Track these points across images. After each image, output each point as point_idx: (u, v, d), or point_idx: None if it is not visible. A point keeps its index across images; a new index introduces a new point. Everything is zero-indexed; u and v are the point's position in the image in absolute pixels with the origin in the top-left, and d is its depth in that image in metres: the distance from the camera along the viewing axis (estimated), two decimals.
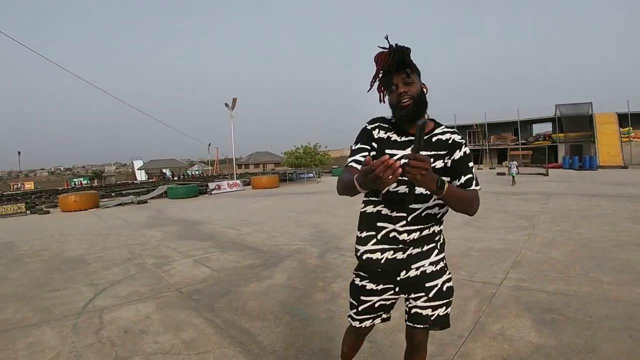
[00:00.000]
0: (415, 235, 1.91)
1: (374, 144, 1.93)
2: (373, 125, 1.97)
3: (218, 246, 8.39)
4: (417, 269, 1.94)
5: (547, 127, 52.10)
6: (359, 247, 2.02)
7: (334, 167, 52.90)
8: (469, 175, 1.89)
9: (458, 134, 1.95)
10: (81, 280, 6.39)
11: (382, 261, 1.93)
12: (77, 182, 74.04)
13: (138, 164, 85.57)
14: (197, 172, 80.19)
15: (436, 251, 1.99)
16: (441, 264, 2.01)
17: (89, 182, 75.61)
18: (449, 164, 1.89)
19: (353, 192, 1.70)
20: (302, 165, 46.60)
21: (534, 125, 54.02)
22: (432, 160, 1.81)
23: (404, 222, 1.89)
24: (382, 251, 1.93)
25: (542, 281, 4.92)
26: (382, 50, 1.84)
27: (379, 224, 1.93)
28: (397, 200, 1.87)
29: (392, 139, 1.92)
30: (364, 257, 1.97)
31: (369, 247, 1.96)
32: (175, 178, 67.34)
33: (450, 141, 1.91)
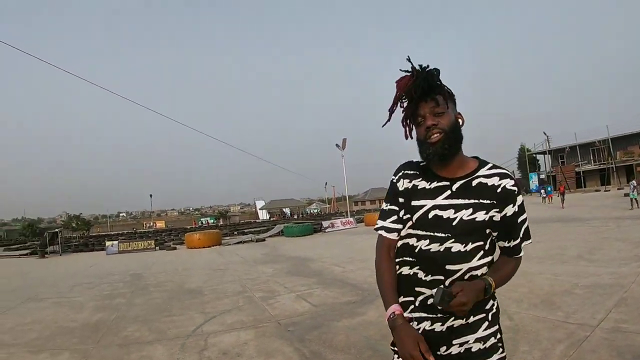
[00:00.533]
0: None
1: (400, 199, 1.65)
2: (397, 177, 1.68)
3: (321, 282, 8.82)
4: (461, 345, 1.57)
5: None
6: None
7: None
8: (518, 240, 1.61)
9: (510, 178, 1.59)
10: (195, 309, 7.18)
11: (419, 332, 1.57)
12: (204, 222, 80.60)
13: (260, 204, 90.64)
14: (315, 211, 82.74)
15: (486, 324, 1.58)
16: (492, 340, 1.59)
17: (215, 221, 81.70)
18: (495, 218, 1.54)
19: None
20: None
21: None
22: (471, 210, 1.52)
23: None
24: (420, 320, 1.59)
25: None
26: (404, 74, 1.57)
27: (416, 289, 1.60)
28: (431, 260, 1.55)
29: (419, 187, 1.61)
30: None
31: (406, 314, 1.61)
32: (295, 216, 70.04)
33: (500, 189, 1.55)
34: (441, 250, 1.52)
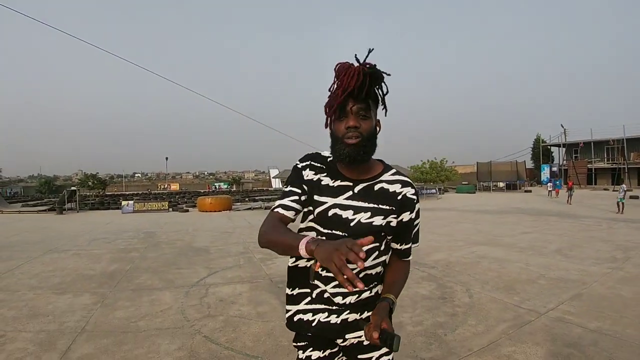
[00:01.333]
0: (351, 299, 1.60)
1: (304, 186, 1.61)
2: (304, 164, 1.65)
3: None
4: (354, 338, 1.65)
5: None
6: (290, 307, 1.70)
7: (464, 183, 52.39)
8: (410, 245, 1.69)
9: (412, 186, 1.63)
10: (201, 264, 8.10)
11: (314, 324, 1.63)
12: (217, 186, 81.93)
13: (274, 172, 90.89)
14: None
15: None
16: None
17: (228, 186, 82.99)
18: (392, 223, 1.58)
19: (289, 254, 1.43)
20: (427, 181, 46.65)
21: None
22: (369, 214, 1.54)
23: (336, 282, 1.57)
24: (315, 312, 1.63)
25: (588, 317, 4.78)
26: (352, 63, 1.47)
27: (312, 282, 1.63)
28: None
29: (322, 182, 1.61)
30: (296, 318, 1.66)
31: (302, 306, 1.65)
32: None
33: (400, 196, 1.58)
34: None
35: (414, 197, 1.61)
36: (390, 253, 1.70)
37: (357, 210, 1.53)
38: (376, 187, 1.58)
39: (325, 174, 1.61)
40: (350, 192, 1.56)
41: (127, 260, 8.71)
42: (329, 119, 1.54)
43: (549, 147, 64.38)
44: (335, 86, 1.47)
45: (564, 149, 58.89)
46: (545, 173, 54.82)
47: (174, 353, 3.90)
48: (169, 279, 6.91)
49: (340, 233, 1.52)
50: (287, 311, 1.70)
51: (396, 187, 1.59)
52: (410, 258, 1.72)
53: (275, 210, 1.56)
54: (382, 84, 1.51)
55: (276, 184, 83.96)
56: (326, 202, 1.56)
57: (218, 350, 3.96)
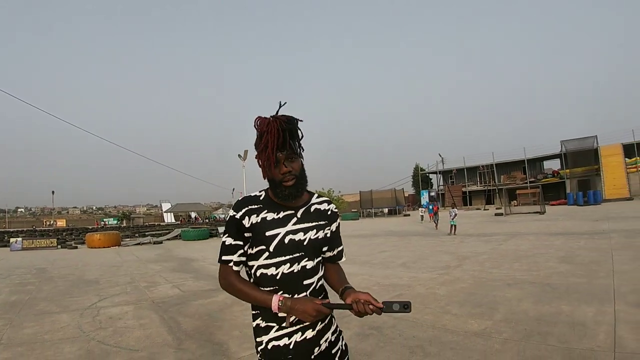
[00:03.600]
0: None
1: (246, 234, 1.69)
2: (241, 213, 1.69)
3: (196, 277, 11.08)
4: (325, 340, 1.75)
5: (556, 164, 53.98)
6: (261, 337, 1.69)
7: (353, 210, 57.04)
8: (341, 247, 1.95)
9: (332, 203, 1.92)
10: (92, 293, 9.23)
11: (292, 346, 1.65)
12: (106, 222, 78.66)
13: (166, 206, 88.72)
14: (222, 216, 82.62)
15: (333, 319, 1.85)
16: (338, 329, 1.88)
17: (118, 222, 79.82)
18: (328, 235, 1.81)
19: (256, 304, 1.68)
20: None
21: (544, 162, 56.03)
22: (315, 231, 1.75)
23: None
24: (290, 335, 1.66)
25: None
26: (268, 118, 1.66)
27: (282, 313, 1.64)
28: (293, 280, 1.68)
29: (268, 218, 1.69)
30: (270, 346, 1.66)
31: (273, 334, 1.67)
32: (200, 221, 70.43)
33: (329, 212, 1.85)
34: (299, 269, 1.68)
35: (336, 210, 1.91)
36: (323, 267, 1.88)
37: (305, 230, 1.71)
38: (312, 209, 1.78)
39: (266, 210, 1.70)
40: (295, 218, 1.71)
41: (25, 292, 9.58)
42: (264, 170, 1.69)
43: (427, 174, 70.28)
44: (263, 145, 1.64)
45: (441, 176, 64.99)
46: (424, 198, 58.37)
47: (75, 352, 5.23)
48: (65, 305, 8.01)
49: (298, 254, 1.68)
50: (259, 343, 1.69)
51: (324, 206, 1.85)
52: (344, 259, 1.99)
53: (229, 265, 1.69)
54: (298, 131, 1.70)
55: (169, 218, 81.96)
56: (280, 233, 1.67)
57: (108, 348, 5.33)
